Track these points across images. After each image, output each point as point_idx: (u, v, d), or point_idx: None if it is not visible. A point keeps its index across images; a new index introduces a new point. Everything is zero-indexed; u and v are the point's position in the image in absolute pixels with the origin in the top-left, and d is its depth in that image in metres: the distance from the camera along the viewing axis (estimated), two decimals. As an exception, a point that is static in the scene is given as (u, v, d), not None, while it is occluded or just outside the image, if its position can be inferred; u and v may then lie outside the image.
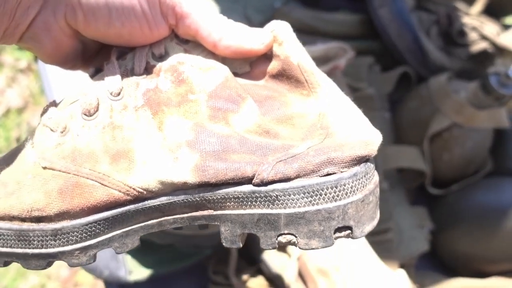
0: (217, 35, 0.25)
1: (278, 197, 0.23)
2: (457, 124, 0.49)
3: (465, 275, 0.50)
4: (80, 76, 0.34)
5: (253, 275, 0.45)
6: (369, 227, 0.24)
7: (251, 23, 0.55)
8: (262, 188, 0.23)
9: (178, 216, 0.24)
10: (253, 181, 0.23)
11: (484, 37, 0.58)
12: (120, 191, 0.24)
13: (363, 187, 0.23)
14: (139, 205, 0.24)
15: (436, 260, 0.54)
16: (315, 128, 0.24)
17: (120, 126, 0.24)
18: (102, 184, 0.23)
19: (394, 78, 0.56)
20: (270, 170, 0.22)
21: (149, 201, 0.24)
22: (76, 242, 0.24)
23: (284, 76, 0.26)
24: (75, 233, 0.24)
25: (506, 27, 0.63)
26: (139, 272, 0.44)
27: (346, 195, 0.23)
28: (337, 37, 0.56)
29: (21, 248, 0.24)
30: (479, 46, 0.58)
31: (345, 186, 0.23)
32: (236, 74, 0.27)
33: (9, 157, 0.26)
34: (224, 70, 0.25)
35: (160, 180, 0.23)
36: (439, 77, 0.52)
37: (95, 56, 0.29)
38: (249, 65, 0.27)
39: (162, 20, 0.25)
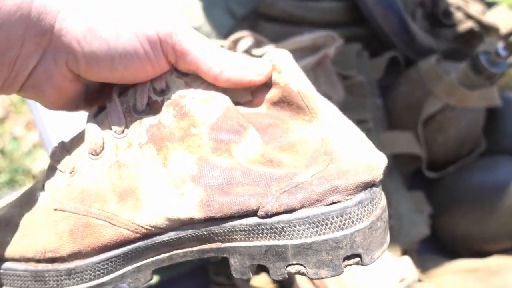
0: (217, 68, 0.25)
1: (284, 228, 0.22)
2: (449, 106, 0.49)
3: (466, 256, 0.50)
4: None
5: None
6: (379, 252, 0.23)
7: (235, 16, 0.54)
8: (268, 220, 0.23)
9: (187, 250, 0.25)
10: (258, 214, 0.23)
11: (469, 16, 0.58)
12: (128, 230, 0.24)
13: (369, 213, 0.23)
14: (149, 241, 0.24)
15: (436, 244, 0.54)
16: (319, 154, 0.24)
17: (125, 164, 0.24)
18: (111, 224, 0.24)
19: (383, 64, 0.56)
20: (274, 202, 0.22)
21: (158, 237, 0.24)
22: (90, 280, 0.25)
23: (285, 103, 0.26)
24: (89, 271, 0.25)
25: (489, 5, 0.63)
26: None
27: (353, 223, 0.22)
28: (323, 25, 0.55)
29: None
30: (465, 25, 0.58)
31: (350, 214, 0.22)
32: (238, 103, 0.27)
33: (23, 198, 0.26)
34: (225, 101, 0.25)
35: (166, 217, 0.24)
36: (428, 60, 0.52)
37: (98, 95, 0.28)
38: (250, 94, 0.27)
39: (163, 58, 0.24)
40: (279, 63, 0.26)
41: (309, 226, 0.22)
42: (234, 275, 0.24)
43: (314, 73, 0.46)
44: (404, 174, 0.54)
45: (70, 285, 0.25)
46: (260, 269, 0.44)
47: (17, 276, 0.25)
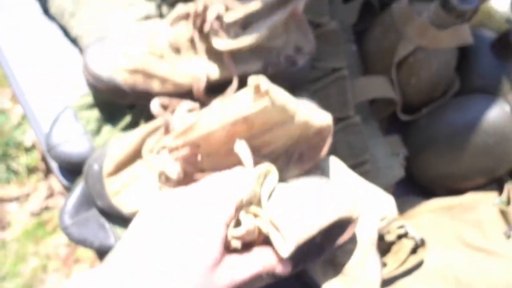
0: None
1: None
2: (421, 48, 0.48)
3: (442, 195, 0.52)
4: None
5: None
6: None
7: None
8: None
9: None
10: None
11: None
12: None
13: None
14: None
15: (413, 185, 0.55)
16: None
17: None
18: None
19: (357, 8, 0.54)
20: None
21: None
22: None
23: None
24: None
25: None
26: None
27: None
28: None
29: None
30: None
31: None
32: None
33: None
34: None
35: None
36: (401, 1, 0.51)
37: None
38: None
39: None
40: None
41: None
42: None
43: (285, 26, 0.46)
44: (380, 119, 0.54)
45: None
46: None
47: None
